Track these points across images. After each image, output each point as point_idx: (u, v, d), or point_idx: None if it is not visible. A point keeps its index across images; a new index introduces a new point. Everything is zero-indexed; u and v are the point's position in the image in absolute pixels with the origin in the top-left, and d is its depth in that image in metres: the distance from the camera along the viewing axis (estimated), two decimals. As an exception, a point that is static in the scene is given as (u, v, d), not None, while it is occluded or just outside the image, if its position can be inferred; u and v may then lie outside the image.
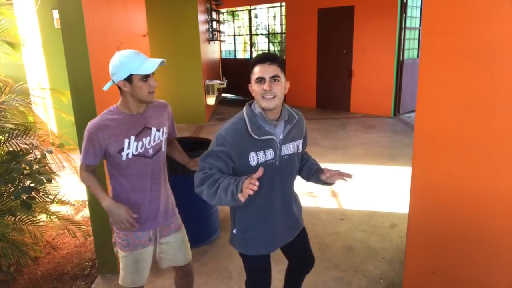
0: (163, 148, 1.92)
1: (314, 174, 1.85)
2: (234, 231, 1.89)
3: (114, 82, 1.76)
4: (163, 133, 1.90)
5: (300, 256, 2.10)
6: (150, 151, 1.85)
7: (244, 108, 1.74)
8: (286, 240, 1.95)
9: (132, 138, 1.79)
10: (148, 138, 1.83)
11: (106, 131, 1.75)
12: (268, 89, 1.60)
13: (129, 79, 1.71)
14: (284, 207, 1.86)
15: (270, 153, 1.70)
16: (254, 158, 1.67)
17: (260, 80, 1.62)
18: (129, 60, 1.70)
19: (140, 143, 1.81)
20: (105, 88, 1.80)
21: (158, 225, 1.99)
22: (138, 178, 1.85)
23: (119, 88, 1.77)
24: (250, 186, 1.43)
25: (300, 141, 1.82)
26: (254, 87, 1.65)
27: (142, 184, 1.87)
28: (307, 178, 1.91)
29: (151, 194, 1.91)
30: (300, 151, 1.83)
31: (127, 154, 1.79)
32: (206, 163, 1.67)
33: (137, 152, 1.81)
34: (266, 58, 1.65)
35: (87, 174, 1.85)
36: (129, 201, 1.86)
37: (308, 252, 2.10)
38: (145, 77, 1.72)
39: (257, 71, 1.64)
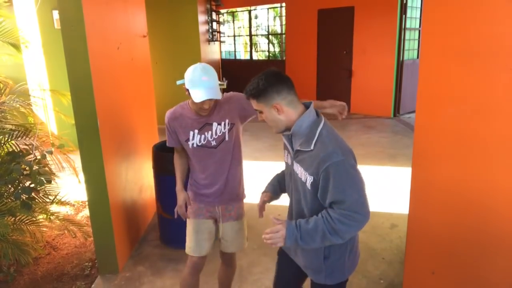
0: (227, 138, 2.09)
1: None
2: None
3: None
4: (225, 125, 2.07)
5: None
6: (213, 143, 2.08)
7: None
8: (297, 264, 1.78)
9: (196, 131, 2.06)
10: (210, 132, 2.06)
11: (176, 121, 2.08)
12: (261, 120, 1.61)
13: (188, 90, 1.94)
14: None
15: (288, 158, 1.67)
16: (284, 154, 1.72)
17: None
18: (193, 78, 1.91)
19: (202, 136, 2.06)
20: (178, 82, 2.01)
21: (220, 204, 2.18)
22: (203, 165, 2.12)
23: None
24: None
25: (309, 177, 1.49)
26: None
27: (207, 169, 2.13)
28: None
29: (215, 178, 2.14)
30: (308, 187, 1.50)
31: (192, 144, 2.08)
32: None
33: (200, 143, 2.07)
34: (246, 93, 1.57)
35: (177, 156, 2.23)
36: (198, 178, 2.17)
37: None
38: None
39: None
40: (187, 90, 1.94)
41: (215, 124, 2.06)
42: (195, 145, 2.07)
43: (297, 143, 1.55)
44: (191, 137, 2.06)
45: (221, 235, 2.22)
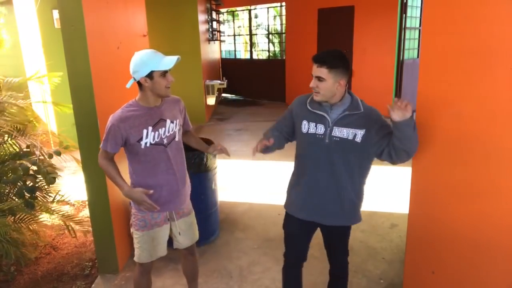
0: (177, 138, 2.12)
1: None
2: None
3: (135, 80, 1.95)
4: (176, 124, 2.11)
5: (331, 255, 2.21)
6: (165, 140, 2.06)
7: None
8: (322, 219, 2.04)
9: (150, 128, 2.00)
10: (163, 128, 2.04)
11: (127, 123, 1.97)
12: (313, 86, 1.84)
13: (150, 75, 1.91)
14: (332, 188, 1.96)
15: (320, 128, 1.91)
16: (305, 126, 1.93)
17: (313, 76, 1.85)
18: (149, 58, 1.91)
19: (156, 133, 2.02)
20: (128, 85, 1.99)
21: (175, 208, 2.18)
22: (154, 164, 2.05)
23: (139, 84, 1.97)
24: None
25: (359, 132, 1.87)
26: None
27: (159, 169, 2.07)
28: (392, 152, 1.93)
29: (167, 178, 2.09)
30: (358, 140, 1.88)
31: (145, 143, 2.00)
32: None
33: (154, 141, 2.02)
34: (317, 59, 1.81)
35: (106, 161, 2.06)
36: (147, 185, 2.05)
37: (337, 256, 2.19)
38: (164, 73, 1.93)
39: (313, 67, 1.85)
40: (147, 77, 1.91)
41: (168, 121, 2.07)
42: (148, 144, 2.00)
43: (338, 107, 1.89)
44: (144, 136, 1.99)
45: (177, 230, 2.22)
